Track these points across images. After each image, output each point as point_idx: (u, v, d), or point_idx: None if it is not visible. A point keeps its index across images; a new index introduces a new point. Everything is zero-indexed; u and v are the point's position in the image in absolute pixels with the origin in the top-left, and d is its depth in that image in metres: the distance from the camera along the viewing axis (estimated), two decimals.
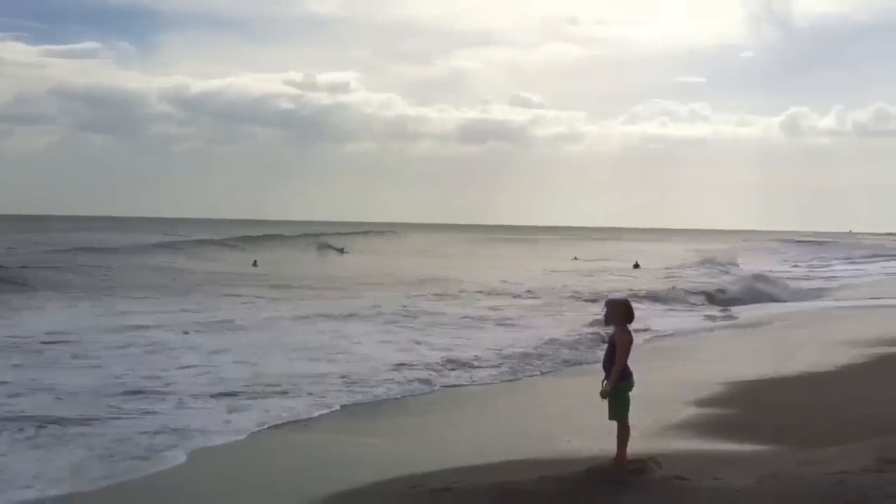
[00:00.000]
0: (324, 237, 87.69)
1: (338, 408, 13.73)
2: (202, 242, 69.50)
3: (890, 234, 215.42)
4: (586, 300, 32.99)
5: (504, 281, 42.09)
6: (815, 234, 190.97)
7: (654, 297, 33.88)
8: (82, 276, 39.15)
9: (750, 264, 59.08)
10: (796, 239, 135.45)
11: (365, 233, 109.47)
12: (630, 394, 8.65)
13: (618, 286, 39.46)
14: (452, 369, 17.38)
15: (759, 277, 44.37)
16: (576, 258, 73.29)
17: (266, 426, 12.29)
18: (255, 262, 54.88)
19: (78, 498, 9.00)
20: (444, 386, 15.82)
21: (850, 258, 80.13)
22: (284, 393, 14.47)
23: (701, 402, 13.75)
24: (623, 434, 8.57)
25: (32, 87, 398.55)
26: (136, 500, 9.18)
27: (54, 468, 9.73)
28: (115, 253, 54.15)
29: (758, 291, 37.41)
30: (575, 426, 11.99)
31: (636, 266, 57.18)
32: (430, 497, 8.20)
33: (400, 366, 17.42)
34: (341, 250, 79.53)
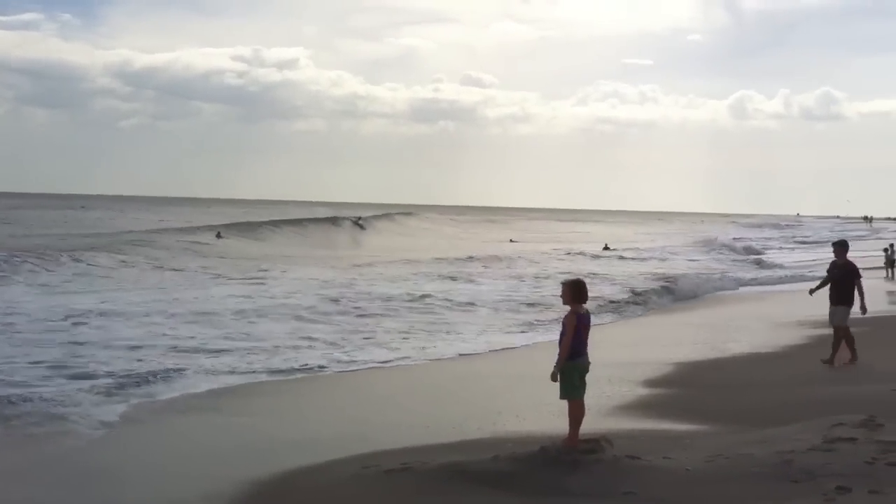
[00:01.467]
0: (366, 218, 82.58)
1: (276, 383, 13.97)
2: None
3: (836, 216, 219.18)
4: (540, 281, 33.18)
5: (447, 260, 42.36)
6: (764, 216, 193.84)
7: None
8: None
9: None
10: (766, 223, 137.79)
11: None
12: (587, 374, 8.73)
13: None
14: (395, 348, 17.54)
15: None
16: (512, 240, 73.30)
17: (199, 401, 12.48)
18: (219, 233, 54.76)
19: None
20: (381, 363, 15.96)
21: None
22: (212, 363, 14.94)
23: (651, 383, 13.89)
24: (575, 414, 8.61)
25: None
26: (54, 477, 8.98)
27: None
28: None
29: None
30: (527, 405, 12.04)
31: (606, 248, 57.46)
32: (385, 477, 8.18)
33: (333, 344, 17.68)
34: (358, 220, 77.11)
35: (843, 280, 15.03)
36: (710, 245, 62.27)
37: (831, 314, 15.03)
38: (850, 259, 15.44)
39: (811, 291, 15.84)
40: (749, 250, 58.94)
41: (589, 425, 9.00)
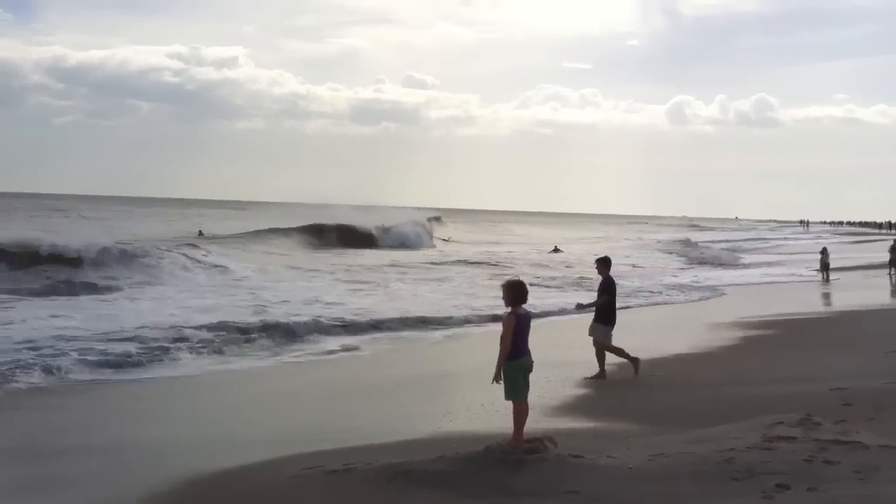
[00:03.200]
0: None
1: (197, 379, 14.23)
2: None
3: (772, 220, 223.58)
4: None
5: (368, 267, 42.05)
6: (703, 219, 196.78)
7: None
8: None
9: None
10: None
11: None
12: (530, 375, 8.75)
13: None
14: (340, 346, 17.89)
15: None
16: (448, 239, 73.21)
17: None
18: (201, 231, 54.89)
19: None
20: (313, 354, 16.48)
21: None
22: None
23: (591, 383, 13.97)
24: (519, 415, 8.60)
25: None
26: None
27: None
28: None
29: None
30: (471, 405, 12.02)
31: (556, 250, 57.20)
32: (327, 478, 8.08)
33: (268, 327, 18.55)
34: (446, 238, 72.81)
35: (601, 296, 14.70)
36: (679, 248, 62.25)
37: (591, 329, 14.69)
38: (612, 275, 15.07)
39: (579, 306, 15.67)
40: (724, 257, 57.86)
41: (532, 425, 8.99)
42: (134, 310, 21.70)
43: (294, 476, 8.29)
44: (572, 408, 12.16)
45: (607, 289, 14.70)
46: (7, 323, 18.87)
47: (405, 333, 20.06)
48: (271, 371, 15.64)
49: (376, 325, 20.46)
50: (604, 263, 14.97)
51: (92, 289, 25.62)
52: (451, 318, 22.24)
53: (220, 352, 16.66)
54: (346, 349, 17.82)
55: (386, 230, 60.53)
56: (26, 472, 9.00)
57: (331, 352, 17.48)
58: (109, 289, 26.05)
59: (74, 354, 15.17)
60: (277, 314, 21.18)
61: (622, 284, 33.74)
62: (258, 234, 52.50)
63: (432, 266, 40.81)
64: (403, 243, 59.60)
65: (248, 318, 20.35)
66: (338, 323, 20.15)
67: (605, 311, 14.61)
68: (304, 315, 21.05)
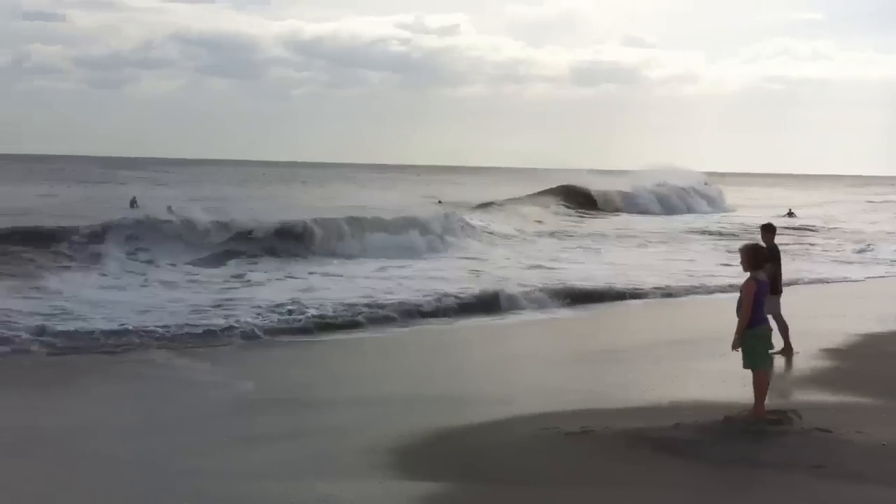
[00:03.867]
0: None
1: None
2: None
3: None
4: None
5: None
6: None
7: None
8: None
9: None
10: None
11: None
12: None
13: None
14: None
15: None
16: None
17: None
18: (439, 201, 51.11)
19: None
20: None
21: None
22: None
23: (831, 355, 13.35)
24: (759, 384, 8.42)
25: (155, 32, 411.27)
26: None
27: None
28: None
29: None
30: (705, 372, 11.85)
31: (790, 214, 54.48)
32: (565, 440, 8.24)
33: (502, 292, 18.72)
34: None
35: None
36: None
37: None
38: (777, 243, 13.96)
39: None
40: None
41: (774, 398, 8.79)
42: (366, 274, 22.51)
43: (533, 435, 8.50)
44: (815, 380, 11.70)
45: (771, 257, 14.02)
46: (256, 284, 20.20)
47: (632, 302, 19.86)
48: (498, 333, 16.03)
49: (606, 292, 20.33)
50: (767, 230, 14.24)
51: (332, 254, 26.74)
52: (683, 285, 21.86)
53: (442, 315, 17.09)
54: (574, 315, 17.92)
55: (637, 196, 58.23)
56: (286, 420, 9.76)
57: (557, 316, 17.63)
58: (351, 256, 27.00)
59: (316, 311, 16.22)
60: (512, 276, 21.69)
61: (867, 253, 32.17)
62: (502, 202, 50.76)
63: (663, 233, 39.94)
64: (688, 209, 58.02)
65: (482, 282, 20.76)
66: (570, 288, 20.17)
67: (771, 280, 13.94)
68: (535, 280, 21.27)
